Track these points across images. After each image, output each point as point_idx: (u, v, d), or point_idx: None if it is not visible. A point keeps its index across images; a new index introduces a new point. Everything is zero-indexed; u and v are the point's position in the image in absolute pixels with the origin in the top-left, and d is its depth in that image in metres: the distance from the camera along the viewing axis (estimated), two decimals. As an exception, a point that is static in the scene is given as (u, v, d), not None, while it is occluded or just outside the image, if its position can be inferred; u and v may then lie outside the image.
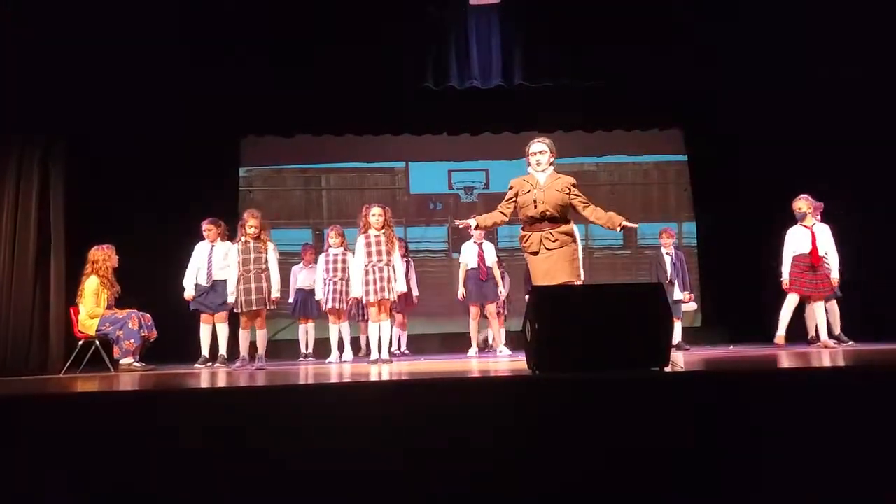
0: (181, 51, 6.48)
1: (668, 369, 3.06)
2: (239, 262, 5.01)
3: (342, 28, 6.72)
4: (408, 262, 6.74)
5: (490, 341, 6.89)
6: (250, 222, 5.04)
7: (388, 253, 5.09)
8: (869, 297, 6.10)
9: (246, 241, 5.03)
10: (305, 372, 4.47)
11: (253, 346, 5.08)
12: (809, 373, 3.18)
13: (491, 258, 6.34)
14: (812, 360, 3.81)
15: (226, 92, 7.00)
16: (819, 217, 5.59)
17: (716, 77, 7.10)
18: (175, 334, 6.12)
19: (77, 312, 5.39)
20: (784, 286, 5.51)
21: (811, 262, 5.41)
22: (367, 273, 5.07)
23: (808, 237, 5.46)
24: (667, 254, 6.58)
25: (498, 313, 6.88)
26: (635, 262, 8.14)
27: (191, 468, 2.50)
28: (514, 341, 6.79)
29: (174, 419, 2.64)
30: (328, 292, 5.94)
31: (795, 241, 5.52)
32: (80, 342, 5.36)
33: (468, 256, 6.33)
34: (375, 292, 5.01)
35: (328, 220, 8.06)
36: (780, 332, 5.40)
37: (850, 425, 2.58)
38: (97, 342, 5.35)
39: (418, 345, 7.21)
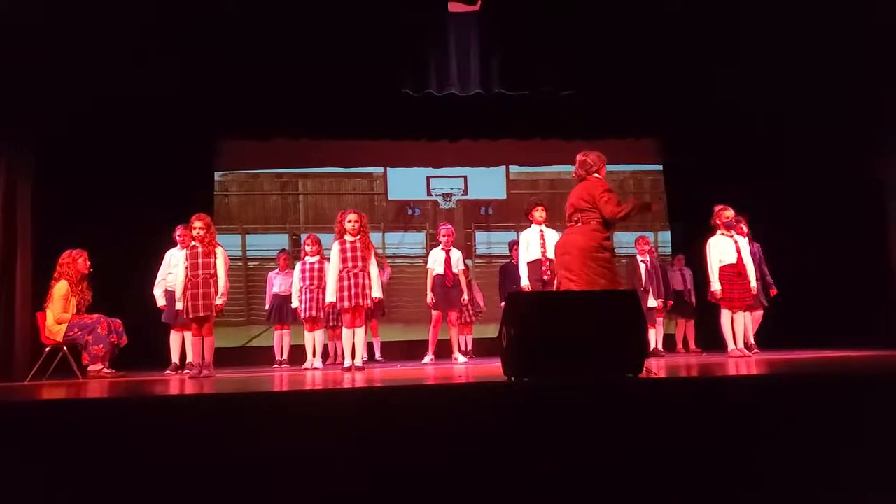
0: (156, 52, 6.41)
1: (642, 376, 3.08)
2: (186, 268, 4.92)
3: (321, 34, 6.70)
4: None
5: (467, 348, 6.91)
6: (196, 224, 4.92)
7: (364, 259, 5.06)
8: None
9: (194, 246, 4.95)
10: (280, 379, 4.42)
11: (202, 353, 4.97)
12: (775, 379, 3.24)
13: (458, 265, 6.34)
14: (778, 367, 3.87)
15: (202, 95, 6.93)
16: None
17: (693, 88, 7.24)
18: (145, 340, 6.01)
19: (44, 318, 5.26)
20: (717, 297, 5.48)
21: (738, 270, 5.45)
22: (342, 279, 5.03)
23: (734, 246, 5.50)
24: (642, 262, 6.65)
25: (468, 322, 6.90)
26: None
27: (161, 476, 2.45)
28: (487, 348, 6.82)
29: (144, 426, 2.58)
30: (305, 300, 5.94)
31: (722, 251, 5.50)
32: (47, 348, 5.23)
33: (435, 263, 6.32)
34: (350, 298, 4.97)
35: (305, 225, 8.02)
36: (739, 345, 5.46)
37: (827, 427, 2.63)
38: (65, 348, 5.23)
39: (395, 351, 7.17)
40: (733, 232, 5.56)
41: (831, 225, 6.53)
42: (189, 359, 5.51)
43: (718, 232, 5.56)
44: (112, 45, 6.01)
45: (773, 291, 6.04)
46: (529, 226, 5.78)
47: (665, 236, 8.33)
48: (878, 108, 5.78)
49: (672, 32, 6.89)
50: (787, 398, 2.81)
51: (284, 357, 6.53)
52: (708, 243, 5.58)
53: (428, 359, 6.25)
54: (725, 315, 5.48)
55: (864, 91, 5.87)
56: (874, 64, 5.68)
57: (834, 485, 2.53)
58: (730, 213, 5.55)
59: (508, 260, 6.95)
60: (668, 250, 8.22)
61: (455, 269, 6.30)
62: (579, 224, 4.03)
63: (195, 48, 6.54)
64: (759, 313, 5.91)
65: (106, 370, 5.18)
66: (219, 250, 5.01)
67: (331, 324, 6.37)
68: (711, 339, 6.48)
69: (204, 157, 7.73)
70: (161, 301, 5.85)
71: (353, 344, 5.06)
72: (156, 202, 6.79)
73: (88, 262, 5.41)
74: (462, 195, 8.35)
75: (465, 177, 8.37)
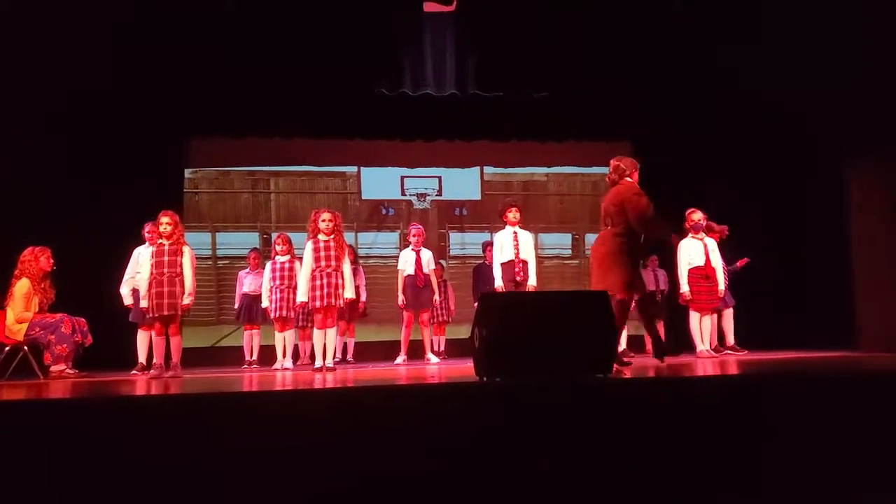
0: (125, 48, 6.29)
1: (612, 376, 3.11)
2: (152, 265, 4.81)
3: (295, 31, 6.65)
4: (355, 269, 6.68)
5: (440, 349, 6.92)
6: (163, 220, 4.82)
7: (338, 259, 5.02)
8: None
9: (160, 244, 4.85)
10: (250, 379, 4.36)
11: (168, 353, 4.88)
12: (741, 379, 3.29)
13: (428, 266, 6.32)
14: (745, 368, 3.94)
15: (172, 91, 6.82)
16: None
17: (665, 91, 7.33)
18: (112, 340, 5.87)
19: (4, 317, 5.11)
20: (685, 299, 5.59)
21: (706, 272, 5.55)
22: (314, 279, 4.98)
23: (702, 249, 5.61)
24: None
25: (442, 322, 6.90)
26: (584, 271, 8.29)
27: (125, 478, 2.40)
28: (460, 349, 6.81)
29: (109, 428, 2.52)
30: (275, 300, 5.90)
31: (691, 254, 5.61)
32: (7, 348, 5.08)
33: (406, 263, 6.30)
34: (322, 298, 4.93)
35: (276, 224, 7.93)
36: (706, 345, 5.54)
37: (793, 426, 2.68)
38: (25, 348, 5.08)
39: (368, 352, 7.13)
40: (703, 234, 5.65)
41: (800, 226, 6.67)
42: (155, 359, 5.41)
43: (689, 235, 5.65)
44: (82, 43, 5.90)
45: (744, 261, 6.06)
46: (503, 227, 5.80)
47: (636, 238, 8.42)
48: (851, 109, 5.88)
49: (647, 35, 6.97)
50: (753, 397, 2.86)
51: (254, 357, 6.45)
52: (678, 246, 5.66)
53: (400, 359, 6.23)
54: (694, 317, 5.56)
55: (838, 93, 5.98)
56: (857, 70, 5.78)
57: (803, 483, 2.59)
58: (698, 215, 5.65)
59: (482, 261, 6.96)
60: (640, 252, 8.31)
61: (426, 270, 6.29)
62: (609, 227, 4.15)
63: (167, 45, 6.43)
64: (730, 311, 5.97)
65: (69, 370, 5.05)
66: (185, 248, 4.91)
67: (301, 324, 6.30)
68: (681, 340, 6.57)
69: (174, 153, 7.58)
70: (128, 300, 5.74)
71: (325, 344, 5.02)
72: (123, 199, 6.65)
73: (51, 260, 5.27)
74: (436, 195, 8.34)
75: (439, 177, 8.35)
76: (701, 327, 5.55)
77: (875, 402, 2.74)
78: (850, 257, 6.12)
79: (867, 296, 5.78)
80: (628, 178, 4.30)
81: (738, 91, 6.88)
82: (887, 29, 5.25)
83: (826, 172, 6.32)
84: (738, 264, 6.05)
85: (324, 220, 5.03)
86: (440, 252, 7.96)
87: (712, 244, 5.69)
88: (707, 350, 5.50)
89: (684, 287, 5.57)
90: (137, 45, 6.33)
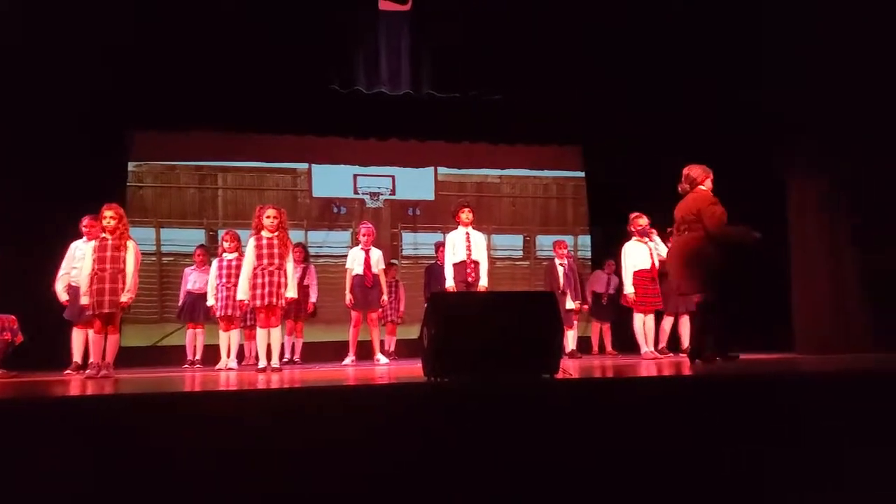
0: (64, 37, 6.04)
1: (559, 376, 3.14)
2: (94, 260, 4.62)
3: (245, 23, 6.50)
4: (306, 268, 6.58)
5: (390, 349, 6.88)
6: (107, 213, 4.64)
7: (281, 257, 4.90)
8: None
9: (104, 238, 4.66)
10: (191, 379, 4.23)
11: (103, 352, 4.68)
12: (688, 379, 3.38)
13: (378, 265, 6.26)
14: (689, 369, 4.04)
15: (116, 80, 6.58)
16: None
17: (615, 97, 7.47)
18: (45, 339, 5.62)
19: (-73, 314, 4.83)
20: (630, 301, 5.73)
21: (652, 275, 5.70)
22: (255, 276, 4.84)
23: (648, 252, 5.76)
24: (560, 264, 6.79)
25: (392, 321, 6.86)
26: (534, 272, 8.39)
27: (57, 485, 2.29)
28: (410, 349, 6.79)
29: (38, 430, 2.40)
30: (221, 298, 5.79)
31: (636, 257, 5.75)
32: (-70, 347, 4.81)
33: (354, 262, 6.22)
34: (263, 297, 4.81)
35: (223, 220, 7.74)
36: (650, 347, 5.68)
37: (737, 426, 2.75)
38: (-50, 346, 4.82)
39: (316, 352, 7.03)
40: (647, 239, 5.79)
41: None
42: (91, 358, 5.19)
43: (633, 238, 5.77)
44: (21, 32, 5.64)
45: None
46: (456, 227, 5.80)
47: (585, 240, 8.57)
48: (783, 107, 6.07)
49: (601, 40, 7.09)
50: (698, 398, 2.93)
51: (198, 357, 6.27)
52: (623, 249, 5.78)
53: (349, 360, 6.15)
54: (638, 318, 5.68)
55: (771, 92, 6.17)
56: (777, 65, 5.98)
57: (752, 482, 2.66)
58: (644, 220, 5.78)
59: (434, 261, 6.95)
60: (588, 254, 8.46)
61: (375, 269, 6.21)
62: (687, 233, 4.23)
63: (116, 34, 6.21)
64: (686, 318, 6.08)
65: (-3, 370, 4.81)
66: (130, 244, 4.72)
67: (248, 323, 6.17)
68: (629, 341, 6.71)
69: (116, 146, 7.31)
70: (63, 296, 5.49)
71: (269, 344, 4.90)
72: (59, 191, 6.36)
73: (-20, 254, 5.01)
74: (390, 195, 8.30)
75: (393, 176, 8.32)
76: (645, 329, 5.68)
77: (814, 403, 2.84)
78: (788, 260, 6.33)
79: (803, 298, 5.98)
80: (702, 187, 4.36)
81: (686, 95, 7.05)
82: (821, 36, 5.46)
83: (767, 175, 6.52)
84: None
85: (268, 217, 4.90)
86: (392, 252, 7.92)
87: (662, 247, 5.83)
88: (651, 351, 5.63)
89: (629, 289, 5.69)
90: (84, 32, 6.08)
